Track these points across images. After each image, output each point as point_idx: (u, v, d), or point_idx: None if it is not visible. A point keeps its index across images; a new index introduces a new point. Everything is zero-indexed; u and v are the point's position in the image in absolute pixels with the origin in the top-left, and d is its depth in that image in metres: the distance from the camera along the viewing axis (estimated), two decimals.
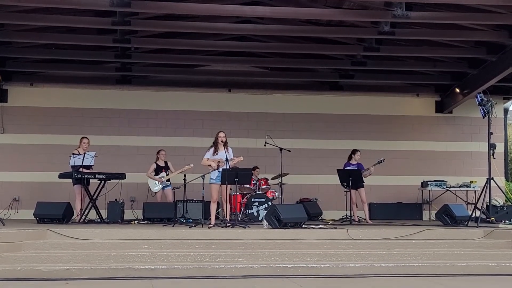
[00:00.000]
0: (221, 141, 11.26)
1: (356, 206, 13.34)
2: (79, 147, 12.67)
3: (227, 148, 11.29)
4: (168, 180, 13.54)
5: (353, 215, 13.09)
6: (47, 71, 15.32)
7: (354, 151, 13.65)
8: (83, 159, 12.17)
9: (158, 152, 13.80)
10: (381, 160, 13.55)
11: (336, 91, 16.14)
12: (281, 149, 13.67)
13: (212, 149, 11.34)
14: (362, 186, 13.22)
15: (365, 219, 13.37)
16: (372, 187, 14.51)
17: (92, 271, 8.40)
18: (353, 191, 13.15)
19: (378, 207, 15.23)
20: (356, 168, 13.33)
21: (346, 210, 13.47)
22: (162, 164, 13.69)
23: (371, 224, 12.72)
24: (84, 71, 15.20)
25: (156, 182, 13.49)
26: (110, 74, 15.40)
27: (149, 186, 13.58)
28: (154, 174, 13.61)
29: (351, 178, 12.84)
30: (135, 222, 12.62)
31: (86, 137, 12.83)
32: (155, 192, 13.53)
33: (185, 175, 13.04)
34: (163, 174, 13.54)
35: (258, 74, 15.81)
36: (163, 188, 13.56)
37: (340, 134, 15.96)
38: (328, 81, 16.12)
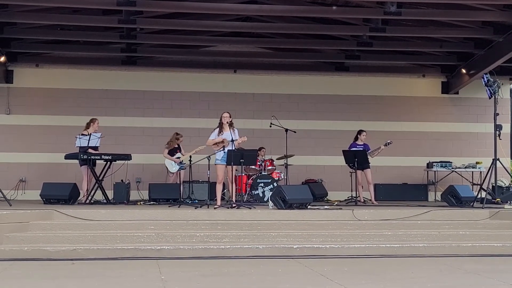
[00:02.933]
0: (226, 122, 11.25)
1: (362, 187, 13.34)
2: (87, 128, 12.65)
3: (233, 129, 11.28)
4: (182, 161, 13.53)
5: (359, 196, 13.09)
6: (52, 52, 15.30)
7: (360, 132, 13.64)
8: (88, 140, 12.17)
9: (176, 135, 13.75)
10: (388, 143, 13.52)
11: (342, 72, 16.08)
12: (286, 130, 13.66)
13: (217, 129, 11.34)
14: (368, 167, 13.21)
15: (370, 200, 13.38)
16: (377, 168, 14.51)
17: (98, 252, 8.46)
18: (358, 172, 13.14)
19: (383, 188, 15.23)
20: (362, 148, 13.31)
21: (352, 191, 13.48)
22: (175, 145, 13.72)
23: (377, 205, 12.74)
24: (89, 52, 15.18)
25: (173, 162, 13.48)
26: (115, 55, 15.37)
27: (166, 167, 13.58)
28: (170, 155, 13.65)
29: (357, 159, 12.82)
30: (141, 203, 12.66)
31: (96, 119, 12.82)
32: (173, 173, 13.51)
33: (190, 156, 13.08)
34: (179, 154, 13.55)
35: (263, 55, 15.75)
36: (179, 169, 13.55)
37: (345, 115, 15.93)
38: (334, 62, 16.06)
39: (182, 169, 13.39)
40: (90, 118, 12.89)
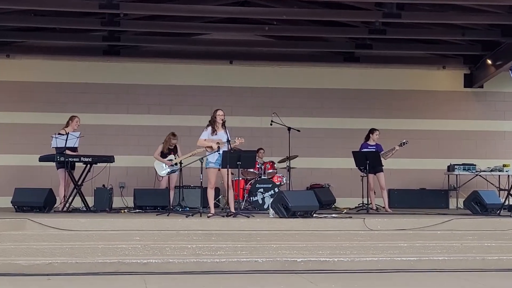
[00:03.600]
0: (221, 120, 11.26)
1: (374, 192, 13.35)
2: (66, 126, 12.65)
3: (225, 129, 11.29)
4: (176, 164, 13.50)
5: (371, 203, 13.11)
6: (25, 41, 15.31)
7: (372, 131, 13.62)
8: (66, 140, 12.16)
9: (172, 136, 13.65)
10: (404, 142, 13.49)
11: (352, 63, 16.10)
12: (289, 128, 13.65)
13: (210, 128, 11.33)
14: (381, 170, 13.21)
15: (384, 207, 13.40)
16: (392, 172, 14.52)
17: (77, 266, 8.44)
18: (370, 175, 13.15)
19: (398, 194, 15.24)
20: (374, 149, 13.31)
21: (363, 198, 13.44)
22: (171, 147, 13.65)
23: (391, 213, 12.76)
24: (66, 40, 15.17)
25: (164, 165, 13.44)
26: (96, 44, 15.37)
27: (155, 169, 13.55)
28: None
29: (369, 161, 12.81)
30: (125, 210, 12.67)
31: (77, 117, 12.81)
32: (162, 177, 13.49)
33: (184, 159, 13.08)
34: (171, 156, 13.51)
35: (263, 43, 15.76)
36: (170, 173, 13.52)
37: (356, 112, 15.95)
38: (342, 51, 16.07)
39: (173, 172, 13.39)
40: (69, 115, 12.88)
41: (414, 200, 15.17)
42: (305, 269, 8.73)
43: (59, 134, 12.38)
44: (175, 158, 13.47)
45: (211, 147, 11.19)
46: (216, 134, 11.26)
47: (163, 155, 13.51)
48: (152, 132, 14.68)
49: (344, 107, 15.97)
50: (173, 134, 13.68)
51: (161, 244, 9.27)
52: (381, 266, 8.92)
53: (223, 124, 11.30)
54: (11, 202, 12.09)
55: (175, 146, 13.65)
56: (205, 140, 11.30)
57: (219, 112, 11.32)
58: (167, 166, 13.43)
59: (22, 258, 8.53)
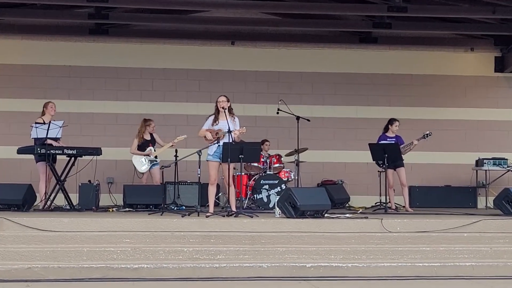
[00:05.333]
0: (222, 107, 11.22)
1: (394, 190, 13.34)
2: (44, 114, 12.65)
3: (233, 117, 11.26)
4: (156, 156, 13.51)
5: (389, 202, 13.11)
6: (1, 19, 15.27)
7: (391, 121, 13.59)
8: (47, 129, 12.17)
9: (144, 122, 13.71)
10: (427, 134, 13.46)
11: (369, 45, 16.07)
12: (298, 117, 13.64)
13: (212, 117, 11.32)
14: (402, 165, 13.20)
15: (404, 206, 13.39)
16: (413, 166, 14.52)
17: (59, 271, 8.47)
18: (389, 171, 13.14)
19: (420, 191, 15.25)
20: (393, 141, 13.29)
21: (380, 196, 13.48)
22: (148, 137, 13.65)
23: (412, 213, 12.76)
24: (48, 18, 15.10)
25: (144, 159, 13.42)
26: (81, 23, 15.32)
27: (134, 166, 13.55)
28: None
29: (387, 154, 12.80)
30: (114, 209, 12.68)
31: (52, 102, 12.80)
32: (143, 173, 13.49)
33: (176, 150, 13.06)
34: (150, 148, 13.50)
35: (269, 22, 15.70)
36: (150, 167, 13.54)
37: (373, 99, 15.94)
38: (358, 31, 16.03)
39: (155, 166, 13.38)
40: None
41: (438, 198, 15.18)
42: (315, 275, 8.75)
43: (36, 123, 12.36)
44: (155, 150, 13.46)
45: (205, 137, 11.18)
46: (217, 123, 11.23)
47: (141, 148, 13.50)
48: None
49: (359, 94, 15.95)
50: (145, 120, 13.64)
51: (153, 247, 9.29)
52: (400, 272, 8.95)
53: (230, 112, 11.25)
54: None
55: (152, 136, 13.61)
56: (206, 130, 11.29)
57: (220, 98, 11.27)
58: (146, 160, 13.42)
59: None
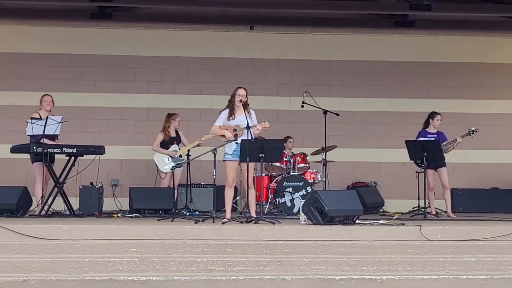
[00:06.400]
0: (239, 101, 11.22)
1: (434, 193, 13.31)
2: (40, 109, 12.70)
3: (248, 111, 11.25)
4: (181, 156, 13.50)
5: (429, 206, 13.07)
6: None
7: (432, 115, 13.51)
8: (44, 125, 12.20)
9: (169, 117, 13.70)
10: (472, 130, 13.39)
11: (405, 29, 16.01)
12: (325, 111, 13.64)
13: (227, 111, 11.30)
14: (443, 165, 13.15)
15: (445, 211, 13.35)
16: (456, 167, 14.50)
17: (58, 284, 8.51)
18: (429, 171, 13.10)
19: (464, 194, 15.21)
20: (434, 138, 13.24)
21: (419, 199, 13.45)
22: (173, 133, 13.67)
23: (455, 219, 12.71)
24: (45, 1, 15.16)
25: (167, 158, 13.45)
26: (82, 6, 15.33)
27: (156, 165, 13.57)
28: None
29: (426, 153, 12.75)
30: (119, 215, 12.70)
31: (48, 95, 12.85)
32: (166, 173, 13.48)
33: (188, 150, 13.08)
34: (175, 147, 13.52)
35: (292, 4, 15.65)
36: (175, 167, 13.53)
37: (409, 91, 15.92)
38: (393, 14, 15.98)
39: (179, 167, 13.39)
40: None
41: (484, 202, 15.15)
42: None
43: (32, 118, 12.40)
44: (180, 149, 13.49)
45: (224, 135, 11.17)
46: (233, 118, 11.21)
47: (164, 145, 13.52)
48: (153, 116, 14.72)
49: (394, 85, 15.94)
50: (170, 115, 13.66)
51: (163, 257, 9.32)
52: (441, 285, 8.93)
53: (245, 106, 11.24)
54: None
55: (177, 133, 13.65)
56: (219, 126, 11.27)
57: (240, 91, 11.22)
58: (170, 159, 13.45)
59: None
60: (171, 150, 13.49)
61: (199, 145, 13.17)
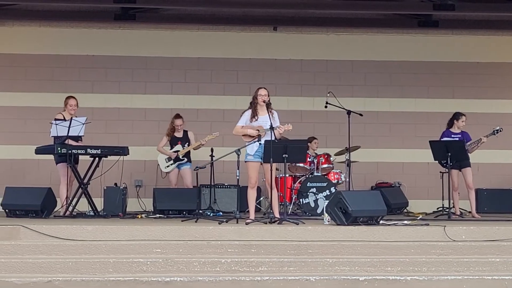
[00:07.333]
0: (263, 101, 11.22)
1: (458, 193, 13.25)
2: (64, 110, 12.74)
3: (271, 112, 11.25)
4: (185, 156, 13.55)
5: (453, 207, 13.02)
6: (17, 4, 15.41)
7: (457, 115, 13.46)
8: (69, 127, 12.24)
9: (172, 119, 13.78)
10: (497, 130, 13.33)
11: (429, 29, 15.97)
12: (349, 112, 13.60)
13: (249, 112, 11.31)
14: (468, 165, 13.09)
15: (470, 212, 13.30)
16: (480, 167, 14.43)
17: (83, 284, 8.53)
18: (454, 172, 13.04)
19: (489, 195, 15.13)
20: (459, 139, 13.19)
21: (443, 200, 13.41)
22: (179, 134, 13.74)
23: (479, 219, 12.65)
24: (69, 2, 15.20)
25: (167, 158, 13.54)
26: (105, 7, 15.43)
27: (158, 164, 13.65)
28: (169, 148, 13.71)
29: (450, 153, 12.71)
30: (143, 215, 12.74)
31: (73, 97, 12.89)
32: (166, 173, 13.58)
33: (212, 150, 13.11)
34: (178, 147, 13.58)
35: (315, 4, 15.65)
36: (178, 168, 13.59)
37: (434, 91, 15.87)
38: (417, 14, 15.93)
39: (184, 167, 13.45)
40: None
41: (509, 202, 15.06)
42: None
43: (56, 119, 12.44)
44: (183, 149, 13.51)
45: (248, 135, 11.17)
46: (256, 119, 11.22)
47: (172, 145, 13.61)
48: None
49: (419, 85, 15.90)
50: (177, 116, 13.71)
51: (187, 258, 9.32)
52: (466, 286, 8.87)
53: (268, 107, 11.24)
54: (1, 204, 12.24)
55: (185, 133, 13.68)
56: (242, 127, 11.28)
57: (261, 91, 11.26)
58: (168, 159, 13.49)
59: (14, 275, 8.64)
60: (172, 151, 13.56)
61: (201, 145, 13.21)
